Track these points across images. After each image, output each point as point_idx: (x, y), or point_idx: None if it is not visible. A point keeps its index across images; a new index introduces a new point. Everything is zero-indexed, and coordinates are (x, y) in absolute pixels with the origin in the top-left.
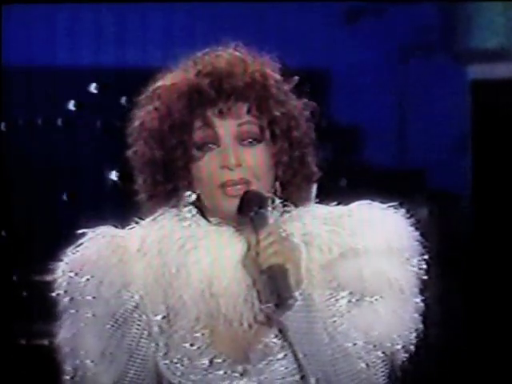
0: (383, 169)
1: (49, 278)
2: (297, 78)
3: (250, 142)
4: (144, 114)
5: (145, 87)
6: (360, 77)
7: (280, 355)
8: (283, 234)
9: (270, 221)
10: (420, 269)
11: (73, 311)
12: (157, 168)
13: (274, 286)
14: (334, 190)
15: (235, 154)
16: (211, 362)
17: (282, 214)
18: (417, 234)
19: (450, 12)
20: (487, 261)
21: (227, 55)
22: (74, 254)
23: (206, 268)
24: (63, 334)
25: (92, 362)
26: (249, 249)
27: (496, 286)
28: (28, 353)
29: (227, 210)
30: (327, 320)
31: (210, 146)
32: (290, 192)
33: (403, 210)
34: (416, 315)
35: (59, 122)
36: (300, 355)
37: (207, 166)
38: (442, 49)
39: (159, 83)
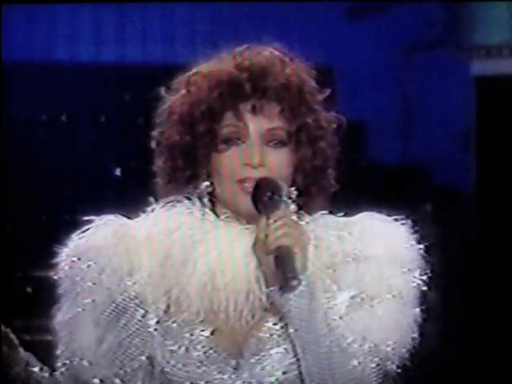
0: (387, 164)
1: (51, 263)
2: (329, 90)
3: (276, 143)
4: (176, 98)
5: (146, 84)
6: (364, 73)
7: (273, 351)
8: (293, 219)
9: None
10: (421, 281)
11: (72, 295)
12: (179, 153)
13: (280, 267)
14: (338, 188)
15: (259, 153)
16: (206, 354)
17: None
18: (420, 247)
19: (454, 8)
20: (491, 257)
21: (268, 53)
22: (79, 239)
23: (211, 261)
24: (60, 317)
25: (86, 348)
26: (258, 232)
27: (499, 283)
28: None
29: (243, 206)
30: (328, 311)
31: (236, 140)
32: (305, 201)
33: (409, 223)
34: (413, 323)
35: (59, 119)
36: (297, 344)
37: (229, 160)
38: (446, 45)
39: (196, 70)
